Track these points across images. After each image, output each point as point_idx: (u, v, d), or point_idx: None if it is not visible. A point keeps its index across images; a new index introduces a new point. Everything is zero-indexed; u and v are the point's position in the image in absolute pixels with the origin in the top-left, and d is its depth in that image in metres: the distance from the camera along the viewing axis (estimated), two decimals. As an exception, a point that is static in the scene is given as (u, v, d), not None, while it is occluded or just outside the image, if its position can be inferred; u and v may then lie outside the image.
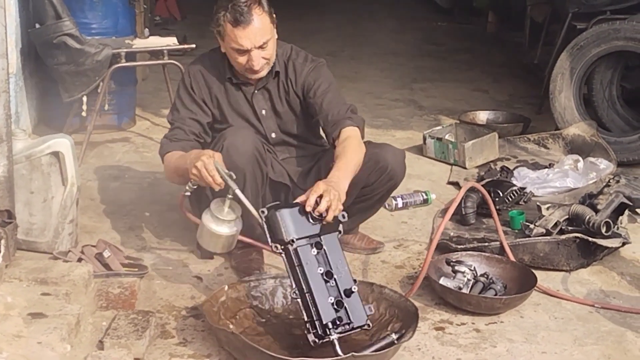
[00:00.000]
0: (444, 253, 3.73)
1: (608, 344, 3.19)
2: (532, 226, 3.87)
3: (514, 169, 4.92)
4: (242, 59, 3.50)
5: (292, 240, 2.94)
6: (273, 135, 3.71)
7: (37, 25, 4.90)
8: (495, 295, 3.40)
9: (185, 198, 3.34)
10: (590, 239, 3.73)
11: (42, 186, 3.57)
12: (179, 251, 3.82)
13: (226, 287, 3.18)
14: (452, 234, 4.05)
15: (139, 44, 5.18)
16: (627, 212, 3.99)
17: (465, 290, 3.41)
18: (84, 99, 4.96)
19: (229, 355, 2.95)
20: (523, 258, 3.74)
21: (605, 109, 5.62)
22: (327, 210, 2.99)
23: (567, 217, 3.87)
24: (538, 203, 4.13)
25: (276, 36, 3.56)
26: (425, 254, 3.90)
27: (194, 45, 5.39)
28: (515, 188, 4.38)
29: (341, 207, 3.04)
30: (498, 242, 3.79)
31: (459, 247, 3.82)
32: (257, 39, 3.45)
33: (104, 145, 5.26)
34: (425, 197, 4.41)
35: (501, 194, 4.31)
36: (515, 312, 3.39)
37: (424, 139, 5.34)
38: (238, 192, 3.12)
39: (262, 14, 3.45)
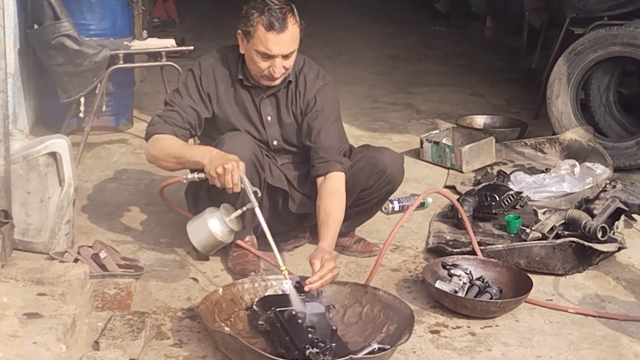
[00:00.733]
0: (440, 256, 3.74)
1: (603, 348, 3.19)
2: (528, 230, 3.88)
3: (511, 173, 4.93)
4: (264, 64, 3.48)
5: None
6: (275, 142, 3.69)
7: (36, 26, 4.91)
8: (491, 299, 3.40)
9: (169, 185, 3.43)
10: (586, 243, 3.73)
11: (39, 186, 3.57)
12: (175, 252, 3.82)
13: (220, 290, 3.19)
14: (448, 237, 4.06)
15: (137, 45, 5.18)
16: (623, 217, 3.99)
17: (460, 294, 3.41)
18: (82, 100, 4.96)
19: (224, 357, 2.95)
20: (519, 262, 3.74)
21: (602, 115, 5.62)
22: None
23: (563, 221, 3.87)
24: (534, 207, 4.13)
25: None
26: (421, 257, 3.91)
27: (192, 47, 5.39)
28: (511, 192, 4.38)
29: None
30: (494, 246, 3.80)
31: (455, 250, 3.83)
32: (286, 47, 3.45)
33: (101, 147, 5.26)
34: (421, 200, 4.41)
35: (498, 198, 4.31)
36: (511, 315, 3.40)
37: (421, 142, 5.35)
38: (258, 210, 3.13)
39: (295, 24, 3.46)
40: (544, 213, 3.99)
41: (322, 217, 3.41)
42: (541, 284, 3.66)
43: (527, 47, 7.43)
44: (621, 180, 4.52)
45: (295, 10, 3.49)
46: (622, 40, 5.24)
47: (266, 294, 3.18)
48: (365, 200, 3.73)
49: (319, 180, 3.54)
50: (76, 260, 3.40)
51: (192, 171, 3.34)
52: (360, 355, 2.82)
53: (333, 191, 3.50)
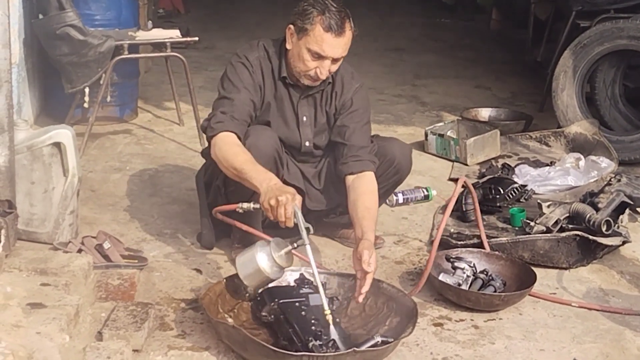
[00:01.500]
0: (444, 249, 3.73)
1: (606, 342, 3.19)
2: (532, 224, 3.87)
3: (515, 166, 4.92)
4: (312, 64, 3.45)
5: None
6: (307, 143, 3.66)
7: (41, 16, 4.90)
8: (495, 292, 3.40)
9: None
10: (590, 237, 3.73)
11: (43, 177, 3.57)
12: (179, 243, 3.82)
13: (224, 280, 3.18)
14: (452, 230, 4.05)
15: (141, 36, 5.17)
16: (627, 211, 3.99)
17: (464, 287, 3.41)
18: (86, 90, 4.95)
19: (227, 348, 2.96)
20: (523, 255, 3.74)
21: (608, 108, 5.61)
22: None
23: (567, 215, 3.87)
24: (539, 201, 4.13)
25: None
26: (425, 249, 3.91)
27: (196, 38, 5.38)
28: (516, 185, 4.38)
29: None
30: (498, 239, 3.80)
31: (459, 243, 3.82)
32: (338, 51, 3.43)
33: (105, 137, 5.26)
34: (426, 193, 4.39)
35: (502, 191, 4.31)
36: (514, 309, 3.39)
37: (426, 135, 5.34)
38: (308, 248, 3.01)
39: (350, 30, 3.44)
40: (548, 206, 3.99)
41: (363, 212, 3.37)
42: (545, 278, 3.65)
43: (532, 39, 7.39)
44: (626, 174, 4.51)
45: (351, 16, 3.46)
46: (628, 33, 5.23)
47: (270, 286, 3.17)
48: (373, 190, 3.72)
49: (350, 177, 3.53)
50: (80, 251, 3.40)
51: (249, 201, 3.20)
52: (363, 347, 2.82)
53: (371, 189, 3.50)
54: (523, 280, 3.47)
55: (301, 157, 3.70)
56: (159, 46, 5.24)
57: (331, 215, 3.84)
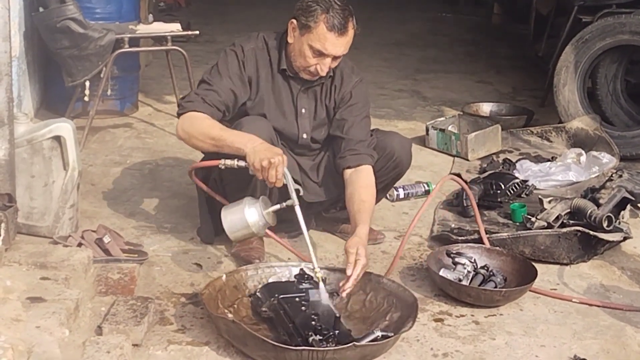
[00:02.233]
0: (444, 245, 3.73)
1: (607, 338, 3.19)
2: (533, 219, 3.87)
3: (517, 161, 4.91)
4: (313, 60, 3.45)
5: None
6: (304, 136, 3.66)
7: (41, 9, 4.89)
8: (495, 287, 3.40)
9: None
10: (591, 232, 3.72)
11: (43, 170, 3.56)
12: (179, 238, 3.81)
13: (224, 276, 3.18)
14: (453, 225, 4.05)
15: (142, 29, 5.17)
16: (629, 206, 3.98)
17: (465, 282, 3.41)
18: (87, 83, 4.94)
19: (227, 343, 2.95)
20: (524, 251, 3.73)
21: (609, 103, 5.61)
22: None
23: (568, 210, 3.86)
24: (540, 196, 4.12)
25: None
26: (426, 245, 3.90)
27: (197, 32, 5.36)
28: (517, 181, 4.37)
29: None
30: (499, 235, 3.79)
31: (460, 238, 3.82)
32: (340, 49, 3.44)
33: (105, 131, 5.25)
34: (426, 188, 4.40)
35: (503, 187, 4.30)
36: (515, 304, 3.39)
37: (427, 129, 5.33)
38: (298, 209, 3.08)
39: (353, 29, 3.44)
40: (549, 202, 3.98)
41: (358, 205, 3.39)
42: (546, 273, 3.65)
43: (534, 34, 7.39)
44: (627, 170, 4.51)
45: (354, 15, 3.46)
46: (630, 28, 5.22)
47: (270, 281, 3.16)
48: (373, 184, 3.71)
49: (348, 171, 3.54)
50: (80, 245, 3.40)
51: (232, 158, 3.24)
52: (363, 342, 2.82)
53: (367, 183, 3.50)
54: (524, 276, 3.46)
55: (298, 150, 3.70)
56: (159, 40, 5.24)
57: (331, 210, 3.84)
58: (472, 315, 3.30)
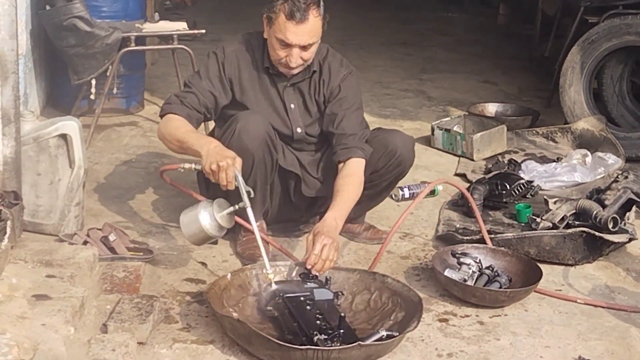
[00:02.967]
0: (449, 244, 3.73)
1: (612, 339, 3.19)
2: (538, 220, 3.86)
3: (522, 162, 4.91)
4: (282, 52, 3.47)
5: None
6: (298, 130, 3.67)
7: (48, 7, 4.90)
8: (500, 288, 3.40)
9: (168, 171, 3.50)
10: (596, 233, 3.72)
11: (49, 168, 3.57)
12: (184, 236, 3.81)
13: (229, 275, 3.18)
14: (458, 225, 4.05)
15: (148, 28, 5.17)
16: (634, 208, 3.97)
17: (470, 283, 3.41)
18: (93, 82, 4.96)
19: (232, 342, 2.95)
20: (529, 251, 3.73)
21: (615, 104, 5.60)
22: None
23: (574, 211, 3.85)
24: (545, 197, 4.11)
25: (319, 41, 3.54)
26: (431, 245, 3.90)
27: (203, 31, 5.37)
28: (522, 181, 4.36)
29: (335, 259, 3.16)
30: (504, 235, 3.79)
31: (465, 238, 3.82)
32: (304, 38, 3.43)
33: (111, 129, 5.26)
34: (431, 189, 4.40)
35: (508, 187, 4.30)
36: (520, 305, 3.39)
37: (432, 130, 5.33)
38: (249, 210, 3.15)
39: (317, 16, 3.44)
40: (554, 202, 3.97)
41: (334, 193, 3.40)
42: (551, 274, 3.65)
43: (540, 35, 7.38)
44: (633, 171, 4.50)
45: (321, 3, 3.46)
46: (637, 29, 5.21)
47: (275, 281, 3.17)
48: (375, 183, 3.71)
49: (340, 166, 3.54)
50: (85, 243, 3.40)
51: (191, 161, 3.34)
52: (368, 342, 2.82)
53: (349, 173, 3.50)
54: (529, 277, 3.46)
55: (296, 145, 3.70)
56: (165, 38, 5.24)
57: None
58: (477, 316, 3.30)
